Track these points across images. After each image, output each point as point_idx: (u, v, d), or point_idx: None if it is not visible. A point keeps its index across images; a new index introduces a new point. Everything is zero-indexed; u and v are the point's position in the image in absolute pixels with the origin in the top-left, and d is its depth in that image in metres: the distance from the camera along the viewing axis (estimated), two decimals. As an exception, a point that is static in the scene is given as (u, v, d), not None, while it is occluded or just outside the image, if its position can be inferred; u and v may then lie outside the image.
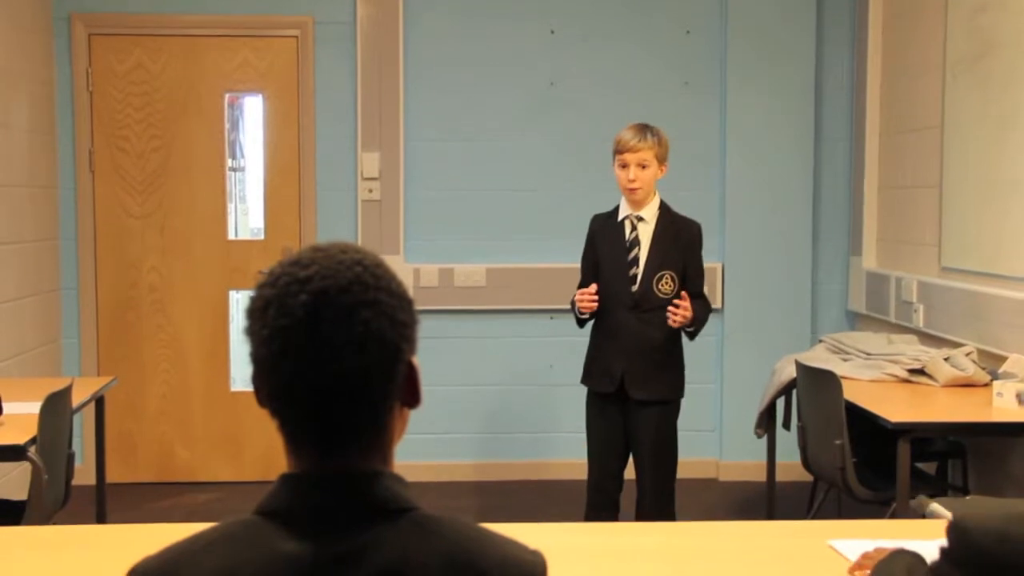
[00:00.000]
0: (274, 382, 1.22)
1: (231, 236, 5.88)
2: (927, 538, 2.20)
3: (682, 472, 4.14)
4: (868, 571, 1.95)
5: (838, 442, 3.88)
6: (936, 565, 1.52)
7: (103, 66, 5.69)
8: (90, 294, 5.73)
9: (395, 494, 1.24)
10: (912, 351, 4.49)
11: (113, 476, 5.12)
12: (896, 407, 3.81)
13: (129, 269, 5.76)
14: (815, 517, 4.56)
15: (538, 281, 5.81)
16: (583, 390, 4.14)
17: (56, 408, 3.44)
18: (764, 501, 4.86)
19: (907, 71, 5.31)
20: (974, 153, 4.56)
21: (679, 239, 4.03)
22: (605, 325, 4.05)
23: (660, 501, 4.02)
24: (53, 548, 2.29)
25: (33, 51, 5.39)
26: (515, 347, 5.88)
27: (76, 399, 3.75)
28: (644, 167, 3.96)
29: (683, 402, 4.11)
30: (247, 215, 6.39)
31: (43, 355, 5.45)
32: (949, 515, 2.03)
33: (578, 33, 5.83)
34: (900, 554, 1.82)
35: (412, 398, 1.28)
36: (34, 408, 3.34)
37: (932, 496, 3.32)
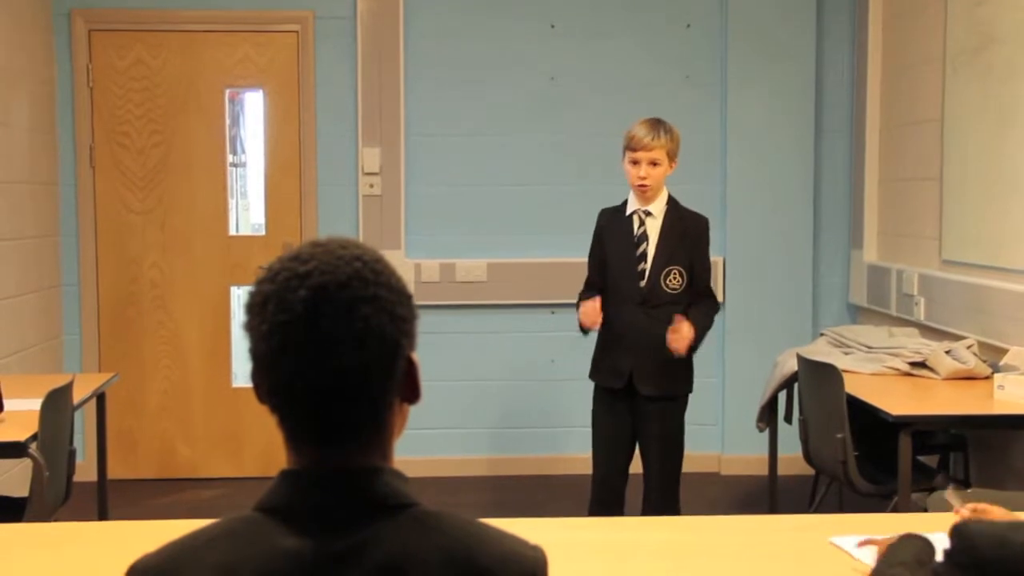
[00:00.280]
0: (273, 378, 1.22)
1: (232, 232, 5.88)
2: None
3: (684, 466, 4.13)
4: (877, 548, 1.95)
5: (839, 435, 3.88)
6: (939, 567, 1.53)
7: (103, 62, 5.69)
8: (91, 290, 5.73)
9: (395, 490, 1.24)
10: (913, 344, 4.48)
11: (114, 473, 5.12)
12: (897, 400, 3.81)
13: (130, 265, 5.76)
14: (817, 510, 4.56)
15: (539, 276, 5.80)
16: (585, 385, 4.13)
17: (57, 405, 3.44)
18: (766, 495, 4.86)
19: (907, 64, 5.30)
20: (974, 146, 4.56)
21: (687, 234, 4.01)
22: (613, 321, 4.03)
23: (666, 496, 4.02)
24: (54, 545, 2.29)
25: (33, 47, 5.39)
26: (516, 342, 5.88)
27: (77, 396, 3.75)
28: (655, 164, 3.93)
29: (690, 397, 4.11)
30: (248, 211, 6.39)
31: (44, 351, 5.45)
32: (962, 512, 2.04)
33: (579, 28, 5.82)
34: (910, 538, 1.83)
35: (412, 394, 1.28)
36: (35, 405, 3.34)
37: (933, 490, 3.32)
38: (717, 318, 4.13)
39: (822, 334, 5.08)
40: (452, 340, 5.82)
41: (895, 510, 3.71)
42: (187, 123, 5.74)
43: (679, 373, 4.00)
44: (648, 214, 4.01)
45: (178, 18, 5.69)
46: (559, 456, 5.80)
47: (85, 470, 4.75)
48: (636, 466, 4.09)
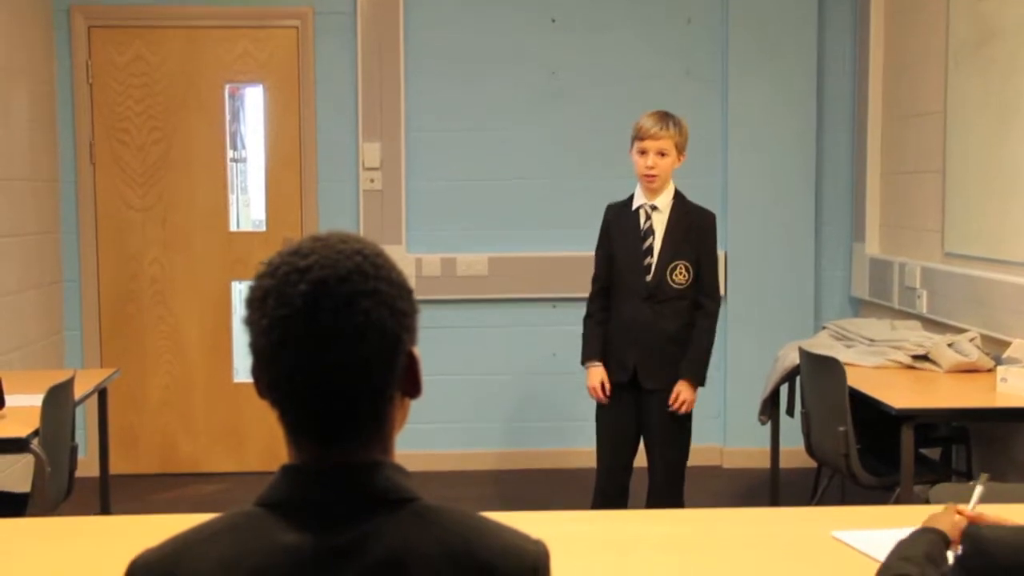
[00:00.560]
0: (273, 372, 1.22)
1: (233, 228, 5.87)
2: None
3: (687, 459, 4.13)
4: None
5: (842, 428, 3.87)
6: (951, 572, 1.52)
7: (103, 58, 5.68)
8: (92, 286, 5.73)
9: (396, 484, 1.23)
10: (915, 337, 4.48)
11: (116, 468, 5.12)
12: (900, 393, 3.80)
13: (130, 261, 5.75)
14: (819, 503, 4.56)
15: (540, 270, 5.80)
16: (584, 379, 4.13)
17: (58, 400, 3.44)
18: (768, 488, 4.86)
19: (909, 57, 5.29)
20: (977, 139, 4.55)
21: (692, 229, 4.00)
22: (619, 315, 4.03)
23: (670, 489, 4.02)
24: (56, 539, 2.29)
25: (33, 44, 5.38)
26: (518, 336, 5.88)
27: (78, 391, 3.75)
28: (663, 155, 3.93)
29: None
30: (248, 206, 6.39)
31: (45, 348, 5.45)
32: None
33: (579, 22, 5.81)
34: (923, 533, 1.82)
35: (412, 388, 1.28)
36: (36, 400, 3.34)
37: (934, 483, 3.32)
38: (719, 311, 4.12)
39: (824, 327, 5.07)
40: (453, 334, 5.81)
41: (897, 503, 3.71)
42: (187, 119, 5.74)
43: (679, 367, 3.99)
44: (654, 208, 4.00)
45: (177, 14, 5.68)
46: (561, 450, 5.80)
47: (87, 465, 4.75)
48: (639, 459, 4.09)
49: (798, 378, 4.43)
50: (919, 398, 3.86)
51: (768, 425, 4.72)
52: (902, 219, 5.39)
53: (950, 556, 1.76)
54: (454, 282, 5.79)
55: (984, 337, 4.34)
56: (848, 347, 4.57)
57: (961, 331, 4.45)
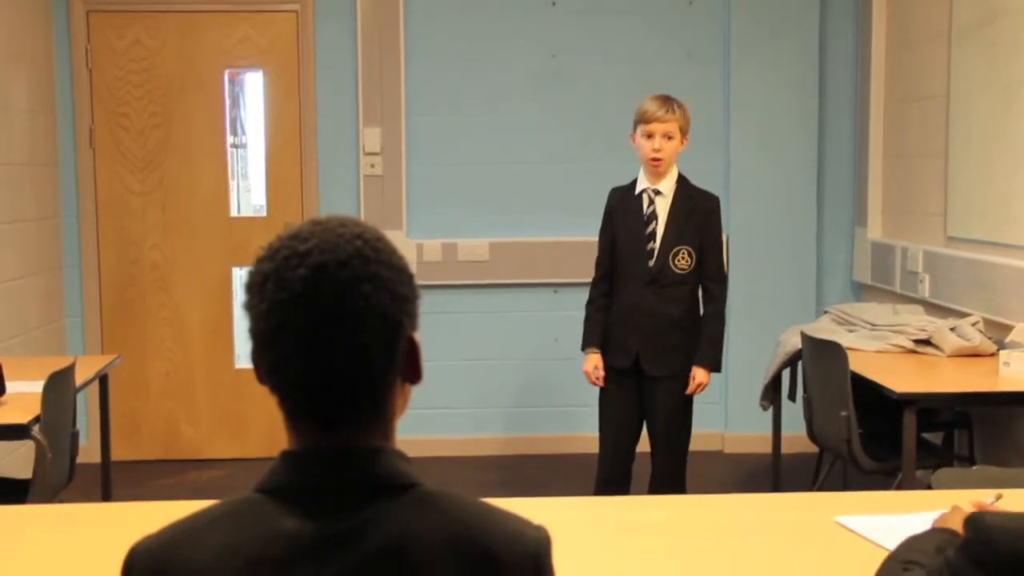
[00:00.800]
0: (273, 357, 1.21)
1: (233, 213, 5.86)
2: (933, 509, 2.20)
3: (689, 444, 4.13)
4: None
5: (843, 413, 3.86)
6: (955, 560, 1.51)
7: (102, 43, 5.66)
8: (92, 272, 5.72)
9: (397, 470, 1.22)
10: (918, 321, 4.47)
11: (118, 454, 5.11)
12: (902, 378, 3.80)
13: (131, 247, 5.74)
14: (820, 488, 4.56)
15: (541, 255, 5.79)
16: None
17: (59, 387, 3.43)
18: (769, 473, 4.86)
19: (912, 39, 5.27)
20: (980, 122, 4.53)
21: (696, 213, 3.99)
22: (621, 300, 4.02)
23: (673, 475, 4.02)
24: (57, 526, 2.29)
25: (32, 29, 5.36)
26: (519, 321, 5.87)
27: (80, 377, 3.74)
28: (669, 138, 3.92)
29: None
30: (249, 192, 6.38)
31: (47, 334, 5.45)
32: None
33: (580, 4, 5.78)
34: (936, 531, 1.81)
35: (413, 374, 1.27)
36: (37, 387, 3.33)
37: (937, 468, 3.31)
38: (727, 294, 4.12)
39: (826, 311, 5.06)
40: (454, 320, 5.81)
41: (899, 488, 3.70)
42: (187, 104, 5.72)
43: (687, 352, 3.98)
44: (658, 193, 3.99)
45: (177, -2, 5.66)
46: (562, 435, 5.80)
47: (88, 452, 4.75)
48: (642, 445, 4.09)
49: (800, 363, 4.42)
50: (921, 383, 3.85)
51: (770, 410, 4.71)
52: (904, 203, 5.38)
53: None
54: (455, 267, 5.78)
55: (987, 321, 4.33)
56: (850, 331, 4.56)
57: (963, 315, 4.44)
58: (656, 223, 3.97)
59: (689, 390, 3.97)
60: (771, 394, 4.68)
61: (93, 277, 5.72)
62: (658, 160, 3.92)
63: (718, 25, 5.82)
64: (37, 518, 2.41)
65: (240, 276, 5.84)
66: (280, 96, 5.76)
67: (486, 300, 5.85)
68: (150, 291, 5.77)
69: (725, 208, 5.67)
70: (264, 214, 5.87)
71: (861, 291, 5.87)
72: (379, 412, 1.24)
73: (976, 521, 1.49)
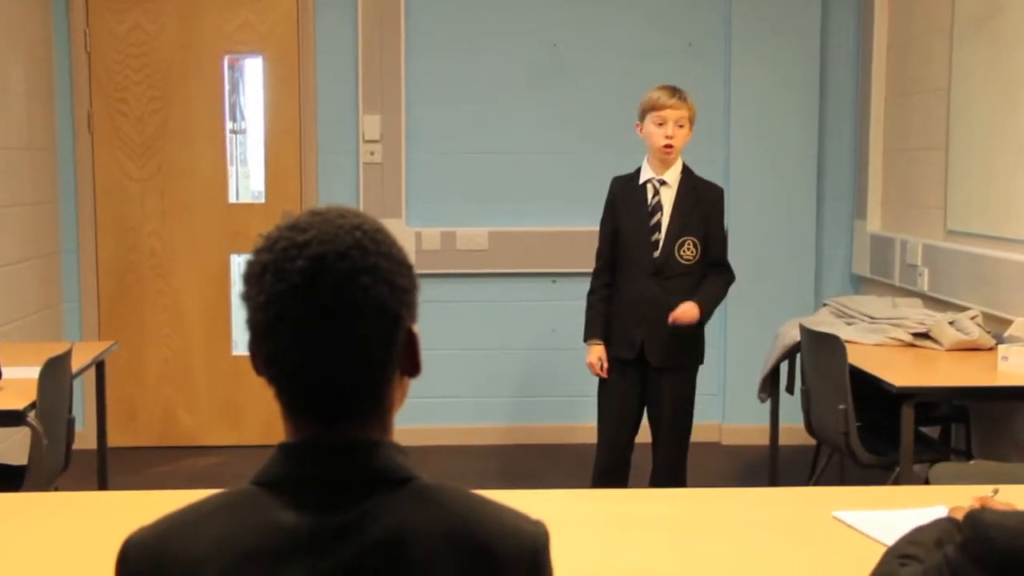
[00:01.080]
0: (270, 349, 1.20)
1: (232, 199, 5.84)
2: (930, 505, 2.19)
3: (690, 436, 4.13)
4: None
5: (842, 407, 3.86)
6: (954, 558, 1.50)
7: (101, 27, 5.64)
8: (90, 258, 5.71)
9: (395, 464, 1.22)
10: (916, 315, 4.46)
11: (115, 440, 5.11)
12: (900, 371, 3.79)
13: (129, 233, 5.73)
14: (818, 482, 4.56)
15: (540, 244, 5.78)
16: (584, 354, 4.11)
17: (55, 373, 3.42)
18: (767, 465, 4.86)
19: (914, 32, 5.25)
20: (981, 115, 4.52)
21: (701, 204, 3.97)
22: (625, 291, 4.00)
23: (673, 467, 4.02)
24: (53, 514, 2.28)
25: (31, 13, 5.33)
26: (517, 311, 5.86)
27: (76, 364, 3.74)
28: (680, 126, 3.91)
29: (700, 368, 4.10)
30: (248, 178, 6.35)
31: (44, 319, 5.43)
32: None
33: (581, -6, 5.77)
34: (938, 520, 1.81)
35: (412, 367, 1.26)
36: (34, 373, 3.33)
37: (934, 462, 3.31)
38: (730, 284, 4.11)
39: (825, 304, 5.06)
40: (452, 309, 5.80)
41: (897, 482, 3.71)
42: (186, 89, 5.70)
43: (690, 344, 3.98)
44: (663, 183, 3.97)
45: (177, -17, 5.63)
46: (561, 425, 5.79)
47: (85, 438, 4.75)
48: (641, 436, 4.09)
49: (798, 355, 4.42)
50: (920, 377, 3.85)
51: (767, 402, 4.71)
52: (904, 196, 5.37)
53: None
54: (454, 256, 5.77)
55: (985, 315, 4.32)
56: (849, 324, 4.56)
57: (962, 309, 4.43)
58: (661, 214, 3.95)
59: (673, 314, 3.85)
60: (769, 386, 4.67)
61: (91, 263, 5.71)
62: (670, 148, 3.90)
63: (719, 17, 5.80)
64: (32, 506, 2.40)
65: (238, 263, 5.83)
66: (280, 82, 5.74)
67: (485, 289, 5.84)
68: (148, 277, 5.75)
69: (725, 200, 5.68)
70: (263, 201, 5.85)
71: (860, 284, 5.87)
72: (377, 405, 1.23)
73: (974, 519, 1.49)
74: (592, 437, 4.15)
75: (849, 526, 2.17)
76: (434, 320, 5.67)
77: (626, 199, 4.02)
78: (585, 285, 4.15)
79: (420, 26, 5.72)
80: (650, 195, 3.98)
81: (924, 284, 4.92)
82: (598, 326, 4.03)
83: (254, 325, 1.21)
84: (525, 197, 5.81)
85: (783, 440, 4.78)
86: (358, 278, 1.18)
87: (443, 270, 5.74)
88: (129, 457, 5.49)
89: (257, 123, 5.89)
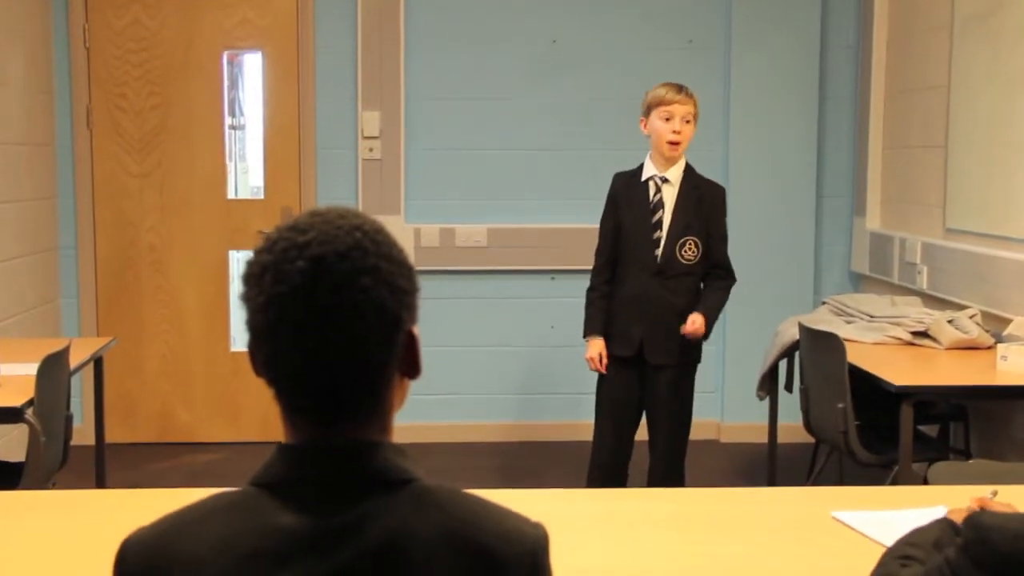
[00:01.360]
0: (270, 350, 1.19)
1: (231, 195, 5.83)
2: (930, 505, 2.19)
3: (688, 434, 4.12)
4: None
5: (840, 405, 3.86)
6: (955, 560, 1.50)
7: (100, 22, 5.63)
8: (89, 253, 5.70)
9: (394, 465, 1.21)
10: (915, 313, 4.46)
11: (113, 436, 5.11)
12: (899, 370, 3.79)
13: (128, 228, 5.72)
14: (816, 480, 4.56)
15: (539, 241, 5.77)
16: (583, 351, 4.10)
17: (53, 370, 3.42)
18: (765, 463, 4.85)
19: (914, 29, 5.24)
20: (981, 113, 4.51)
21: (703, 202, 3.96)
22: (625, 289, 3.98)
23: (672, 465, 4.01)
24: (51, 513, 2.28)
25: (30, 8, 5.32)
26: (516, 308, 5.86)
27: (75, 360, 3.73)
28: (687, 122, 3.90)
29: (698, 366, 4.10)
30: (247, 174, 6.35)
31: (42, 315, 5.43)
32: None
33: (581, -10, 5.76)
34: (938, 521, 1.80)
35: (412, 369, 1.26)
36: (31, 369, 3.32)
37: (933, 461, 3.31)
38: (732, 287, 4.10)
39: (824, 302, 5.05)
40: (451, 306, 5.79)
41: (895, 480, 3.71)
42: (185, 85, 5.69)
43: (689, 342, 3.96)
44: (665, 181, 3.95)
45: (176, -22, 5.62)
46: (558, 422, 5.79)
47: (83, 434, 4.74)
48: (639, 433, 4.08)
49: (797, 353, 4.41)
50: (919, 375, 3.85)
51: (766, 400, 4.71)
52: (903, 194, 5.36)
53: None
54: (453, 253, 5.76)
55: (984, 314, 4.32)
56: (848, 323, 4.56)
57: (961, 308, 4.43)
58: (663, 211, 3.94)
59: (685, 329, 3.87)
60: (768, 384, 4.67)
61: (89, 258, 5.70)
62: (676, 143, 3.89)
63: (719, 15, 5.79)
64: (30, 505, 2.40)
65: (237, 259, 5.82)
66: (279, 78, 5.74)
67: (483, 286, 5.83)
68: (147, 273, 5.75)
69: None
70: (262, 196, 5.85)
71: (859, 282, 5.86)
72: (377, 406, 1.23)
73: (975, 522, 1.49)
74: (591, 434, 4.14)
75: (848, 526, 2.17)
76: (433, 317, 5.66)
77: (628, 196, 4.00)
78: (584, 282, 4.14)
79: (419, 22, 5.71)
80: (652, 192, 3.96)
81: (923, 282, 4.92)
82: (598, 322, 4.02)
83: (254, 326, 1.21)
84: (524, 194, 5.81)
85: (782, 438, 4.78)
86: (358, 279, 1.17)
87: (442, 267, 5.73)
88: (127, 453, 5.48)
89: (256, 119, 5.89)
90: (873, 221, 5.66)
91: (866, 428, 3.99)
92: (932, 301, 4.80)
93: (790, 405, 4.55)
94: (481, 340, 5.86)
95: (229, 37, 5.70)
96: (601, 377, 4.05)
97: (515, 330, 5.86)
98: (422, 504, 1.20)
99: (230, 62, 5.85)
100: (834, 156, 5.91)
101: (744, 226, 5.77)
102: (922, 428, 4.25)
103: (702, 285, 4.02)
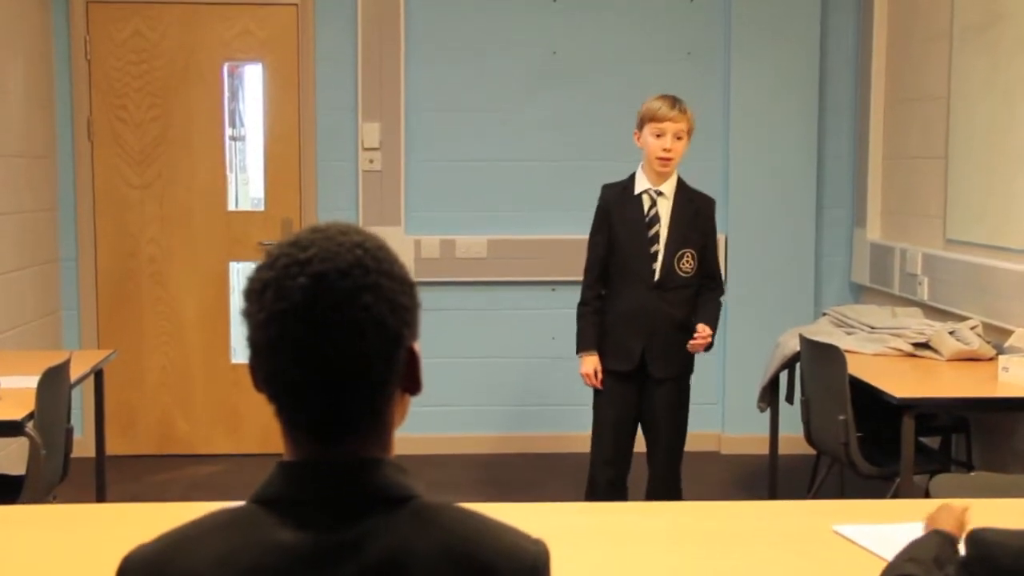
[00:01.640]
0: (271, 367, 1.19)
1: (231, 207, 5.84)
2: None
3: (684, 445, 4.12)
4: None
5: (841, 417, 3.85)
6: (955, 574, 1.49)
7: (101, 34, 5.63)
8: (89, 265, 5.70)
9: (395, 482, 1.21)
10: (916, 325, 4.45)
11: (113, 448, 5.10)
12: (900, 382, 3.78)
13: (128, 240, 5.72)
14: (817, 492, 4.55)
15: (540, 253, 5.77)
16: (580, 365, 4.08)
17: (54, 382, 3.41)
18: (766, 475, 4.85)
19: (914, 40, 5.25)
20: (981, 124, 4.52)
21: (698, 215, 3.96)
22: (623, 303, 3.96)
23: (671, 477, 4.00)
24: (51, 527, 2.27)
25: (31, 19, 5.33)
26: (516, 319, 5.86)
27: (75, 372, 3.73)
28: (679, 138, 3.89)
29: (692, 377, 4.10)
30: (247, 185, 6.35)
31: (42, 327, 5.42)
32: None
33: (580, 1, 5.76)
34: (933, 535, 1.80)
35: (413, 385, 1.25)
36: (32, 382, 3.32)
37: (935, 472, 3.30)
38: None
39: (824, 314, 5.05)
40: (452, 317, 5.79)
41: (897, 493, 3.70)
42: (186, 97, 5.69)
43: (686, 353, 3.96)
44: (659, 194, 3.95)
45: (177, -10, 5.63)
46: (557, 434, 5.78)
47: (84, 446, 4.73)
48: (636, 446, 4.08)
49: (798, 365, 4.41)
50: (920, 387, 3.84)
51: (767, 412, 4.70)
52: (904, 205, 5.36)
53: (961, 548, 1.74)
54: (453, 264, 5.76)
55: (986, 325, 4.32)
56: (848, 334, 4.55)
57: (962, 319, 4.43)
58: (659, 225, 3.93)
59: (693, 344, 3.87)
60: (769, 396, 4.66)
61: (90, 270, 5.70)
62: (667, 160, 3.88)
63: (718, 25, 5.80)
64: (30, 519, 2.39)
65: (237, 270, 5.82)
66: (279, 90, 5.74)
67: (484, 297, 5.83)
68: (147, 285, 5.74)
69: (724, 208, 5.68)
70: (262, 208, 5.85)
71: (859, 292, 5.86)
72: (378, 423, 1.23)
73: (977, 539, 1.48)
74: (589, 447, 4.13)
75: (849, 540, 2.16)
76: (433, 328, 5.66)
77: (621, 210, 3.97)
78: (585, 294, 4.14)
79: (420, 34, 5.72)
80: (647, 206, 3.95)
81: (924, 293, 4.92)
82: (591, 337, 4.00)
83: (254, 343, 1.21)
84: (524, 205, 5.81)
85: (783, 450, 4.77)
86: (359, 297, 1.17)
87: (442, 278, 5.73)
88: (127, 465, 5.47)
89: (256, 130, 5.89)
90: (873, 232, 5.66)
91: (867, 440, 3.99)
92: (933, 312, 4.79)
93: (791, 417, 4.55)
94: (481, 351, 5.86)
95: (229, 48, 5.71)
96: (597, 392, 4.03)
97: (515, 341, 5.86)
98: (423, 521, 1.19)
99: (230, 73, 5.85)
100: (834, 166, 5.91)
101: (744, 236, 5.78)
102: (924, 440, 4.25)
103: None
